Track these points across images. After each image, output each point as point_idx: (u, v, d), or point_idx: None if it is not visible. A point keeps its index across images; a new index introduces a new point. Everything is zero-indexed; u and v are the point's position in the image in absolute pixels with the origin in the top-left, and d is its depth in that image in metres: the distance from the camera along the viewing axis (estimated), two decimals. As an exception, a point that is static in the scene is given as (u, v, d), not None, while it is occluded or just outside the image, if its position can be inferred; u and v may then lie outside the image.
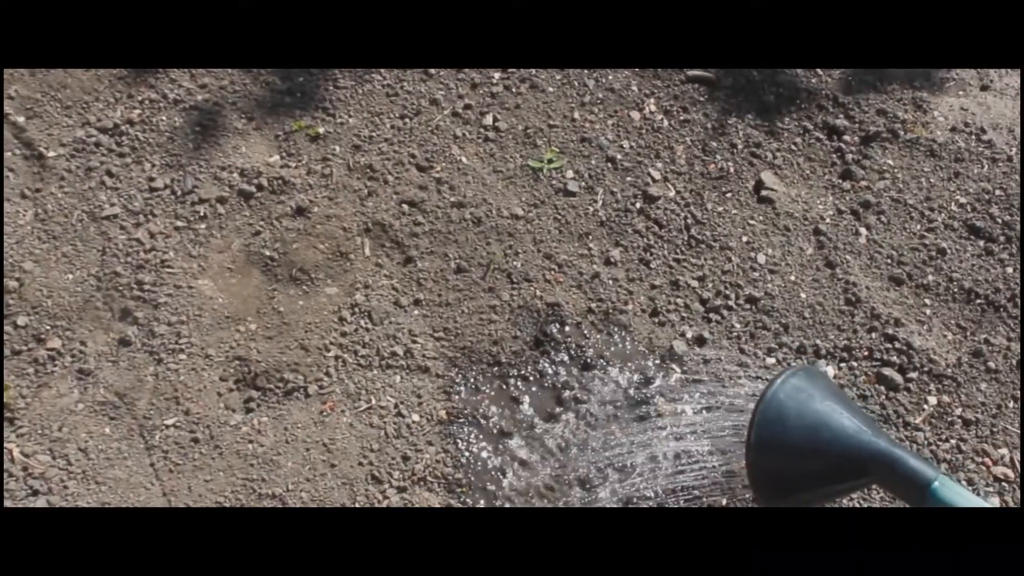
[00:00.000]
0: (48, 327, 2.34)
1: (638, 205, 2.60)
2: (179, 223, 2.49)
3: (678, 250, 2.55)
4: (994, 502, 1.34)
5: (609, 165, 2.66)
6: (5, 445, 2.16)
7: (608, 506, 2.15)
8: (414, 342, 2.35)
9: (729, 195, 2.64)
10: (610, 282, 2.47)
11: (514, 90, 2.77)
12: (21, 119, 2.62)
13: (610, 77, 2.82)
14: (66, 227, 2.48)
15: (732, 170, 2.69)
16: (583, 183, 2.62)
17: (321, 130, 2.64)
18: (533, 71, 2.80)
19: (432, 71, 2.78)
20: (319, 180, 2.56)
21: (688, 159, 2.70)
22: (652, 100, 2.79)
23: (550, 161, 2.62)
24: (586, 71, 2.81)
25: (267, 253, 2.45)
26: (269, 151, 2.61)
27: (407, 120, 2.68)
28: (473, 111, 2.72)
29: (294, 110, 2.69)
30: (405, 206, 2.52)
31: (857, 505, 2.21)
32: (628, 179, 2.64)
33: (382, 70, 2.77)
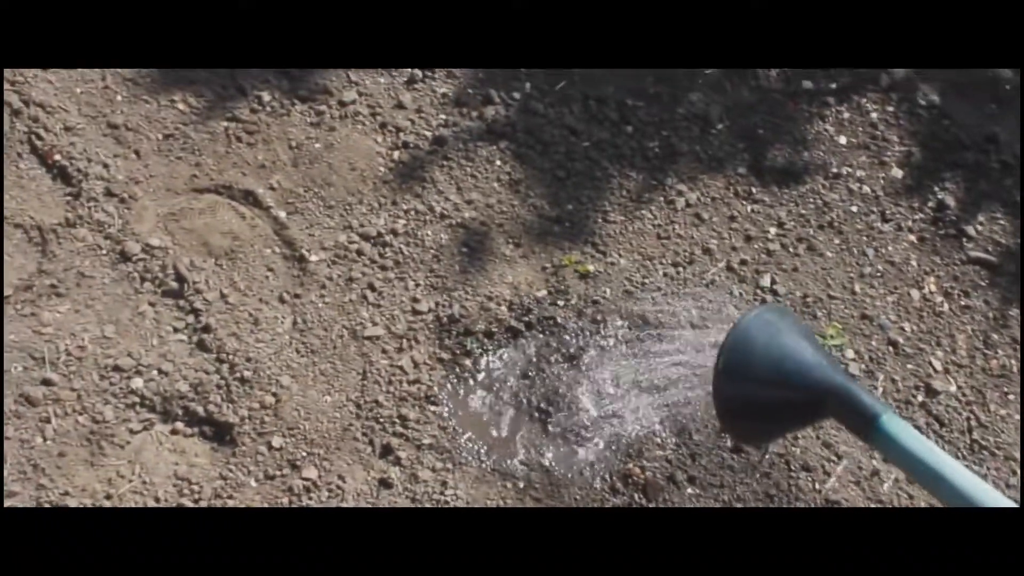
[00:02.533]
0: (304, 453, 2.20)
1: (919, 398, 2.44)
2: (444, 355, 2.35)
3: (959, 453, 2.38)
4: (941, 450, 1.37)
5: (890, 349, 2.50)
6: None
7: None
8: (689, 526, 2.20)
9: (1012, 397, 2.48)
10: (890, 482, 2.31)
11: (791, 249, 2.62)
12: (283, 214, 2.49)
13: (890, 248, 2.67)
14: (325, 342, 2.34)
15: (1015, 369, 2.52)
16: (863, 365, 2.47)
17: (591, 268, 2.50)
18: (811, 231, 2.64)
19: (704, 216, 2.63)
20: (590, 325, 2.41)
21: (969, 351, 2.53)
22: (932, 279, 2.63)
23: (831, 337, 2.46)
24: (865, 239, 2.65)
25: (535, 402, 2.31)
26: (537, 284, 2.47)
27: (680, 269, 2.54)
28: (749, 268, 2.57)
29: (562, 241, 2.55)
30: (677, 368, 2.37)
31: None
32: (909, 367, 2.48)
33: (652, 207, 2.62)
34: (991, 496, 1.39)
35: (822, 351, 1.56)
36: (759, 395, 1.56)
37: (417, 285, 2.45)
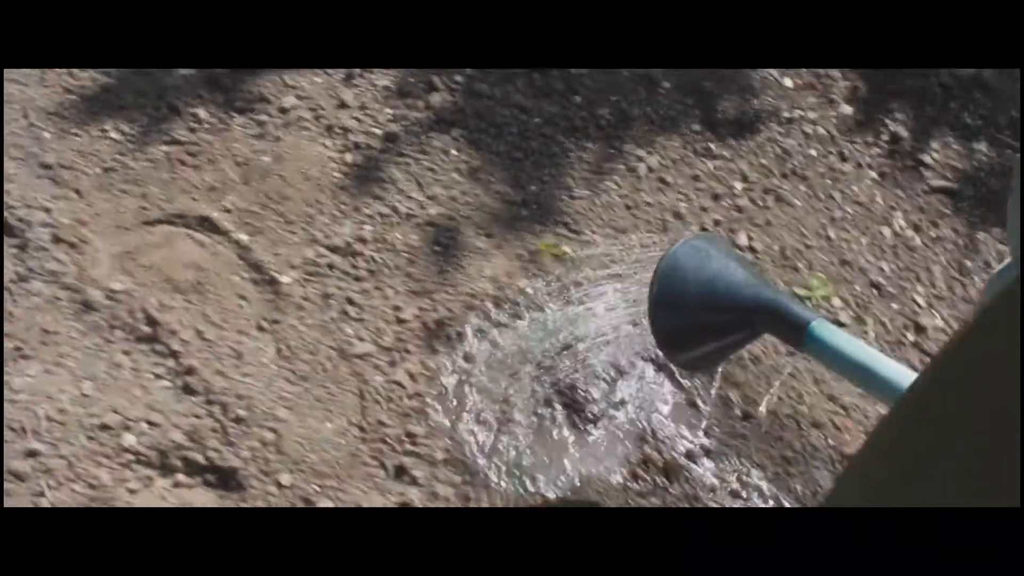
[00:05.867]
0: (316, 487, 2.12)
1: (910, 337, 2.45)
2: (438, 362, 2.28)
3: (956, 387, 2.40)
4: (867, 345, 1.45)
5: (874, 291, 2.51)
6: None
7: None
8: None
9: (994, 323, 2.50)
10: (896, 426, 2.32)
11: (760, 203, 2.60)
12: (244, 237, 2.38)
13: (854, 188, 2.67)
14: (314, 366, 2.25)
15: (992, 294, 2.55)
16: (851, 312, 2.47)
17: (567, 249, 2.45)
18: (776, 181, 2.62)
19: (668, 180, 2.59)
20: (578, 308, 2.37)
21: (947, 281, 2.56)
22: (899, 214, 2.64)
23: (816, 288, 2.45)
24: (829, 183, 2.65)
25: (539, 398, 2.26)
26: (516, 273, 2.41)
27: (656, 238, 2.50)
28: (723, 227, 2.54)
29: (533, 225, 2.49)
30: (677, 341, 2.34)
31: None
32: (895, 306, 2.49)
33: (615, 177, 2.58)
34: None
35: (751, 270, 1.60)
36: (694, 320, 1.62)
37: (396, 292, 2.36)
